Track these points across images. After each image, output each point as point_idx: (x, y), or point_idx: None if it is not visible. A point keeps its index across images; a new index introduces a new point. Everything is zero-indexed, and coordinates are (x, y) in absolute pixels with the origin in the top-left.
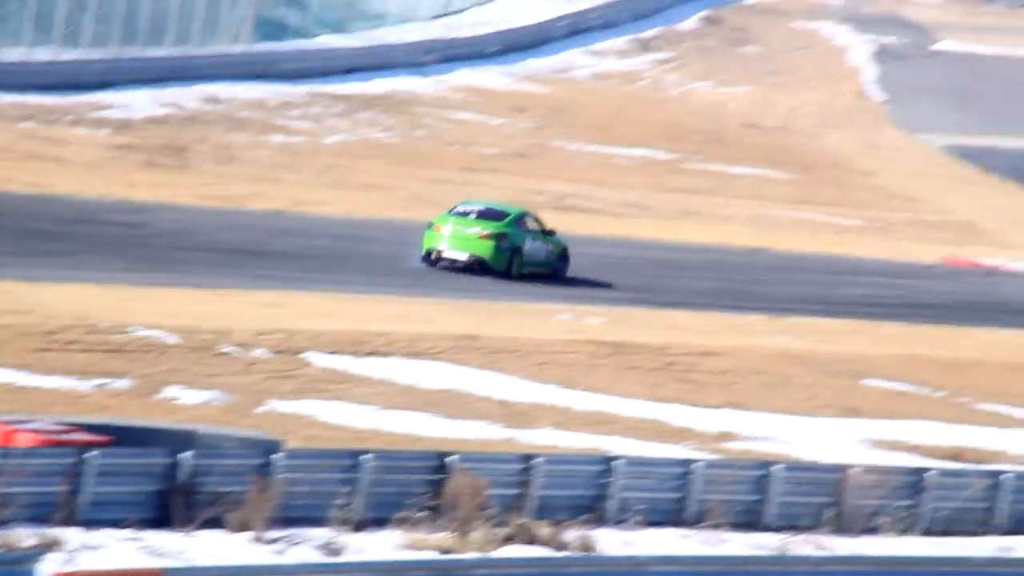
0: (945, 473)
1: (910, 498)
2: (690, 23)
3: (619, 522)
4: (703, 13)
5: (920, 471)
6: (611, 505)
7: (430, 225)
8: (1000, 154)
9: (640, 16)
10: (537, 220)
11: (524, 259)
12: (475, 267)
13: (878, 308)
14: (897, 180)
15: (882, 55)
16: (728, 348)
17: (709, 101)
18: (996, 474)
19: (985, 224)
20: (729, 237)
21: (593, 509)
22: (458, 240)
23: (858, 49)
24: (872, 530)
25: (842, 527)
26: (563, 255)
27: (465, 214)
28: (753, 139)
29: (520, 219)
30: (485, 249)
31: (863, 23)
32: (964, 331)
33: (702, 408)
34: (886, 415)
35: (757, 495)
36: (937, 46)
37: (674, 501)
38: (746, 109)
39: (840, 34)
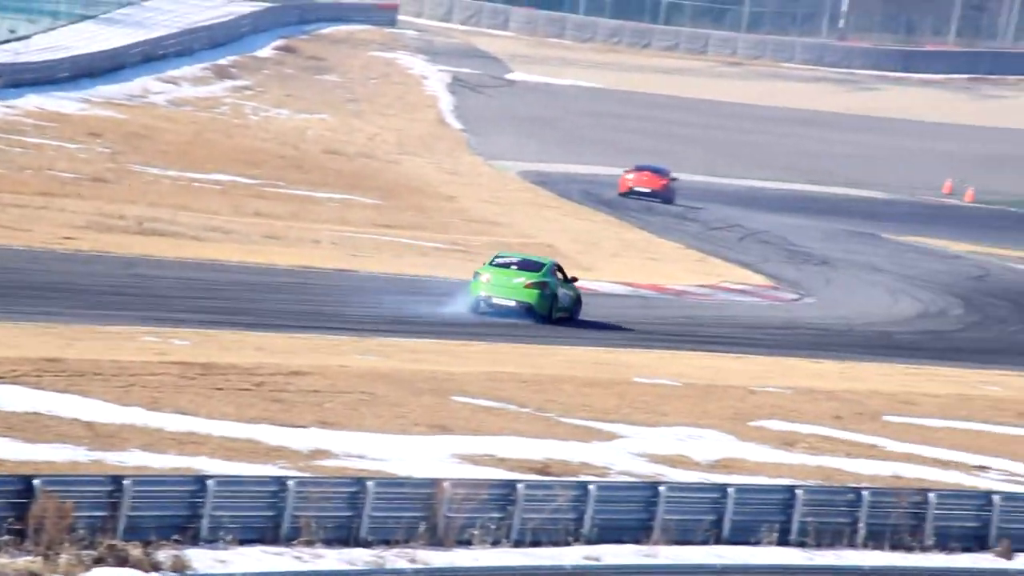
0: (533, 485)
1: (501, 510)
2: (267, 51)
3: (212, 541)
4: (279, 42)
5: (510, 484)
6: (204, 524)
7: (476, 275)
8: (573, 179)
9: (216, 44)
10: (561, 270)
11: (558, 304)
12: (522, 312)
13: (463, 328)
14: (477, 205)
15: (458, 85)
16: (317, 368)
17: (288, 128)
18: (583, 485)
19: (563, 246)
20: (314, 260)
21: (185, 529)
22: (504, 289)
23: (435, 79)
24: (466, 542)
25: (436, 540)
26: (578, 300)
27: (506, 265)
28: (335, 165)
29: (552, 269)
30: (531, 296)
31: (438, 54)
32: (547, 349)
33: (293, 428)
34: (475, 431)
35: (351, 511)
36: (511, 76)
37: (268, 519)
38: (326, 136)
39: (417, 64)
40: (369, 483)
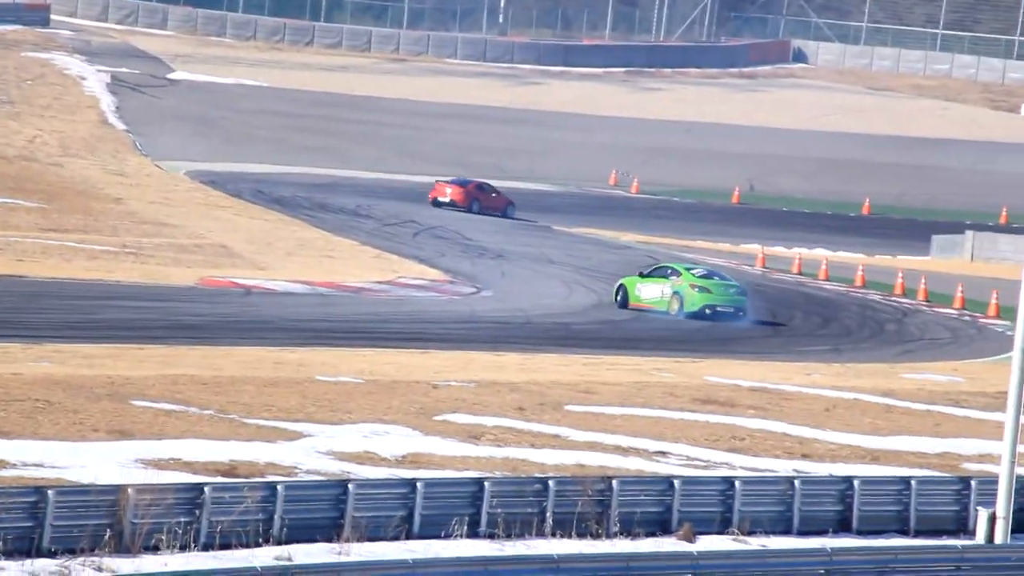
0: (220, 488)
1: (188, 514)
2: None
3: None
4: None
5: (196, 487)
6: None
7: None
8: (243, 178)
9: None
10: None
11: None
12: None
13: (139, 331)
14: (147, 206)
15: (119, 85)
16: None
17: None
18: (271, 485)
19: (237, 246)
20: None
21: None
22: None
23: (94, 79)
24: (153, 548)
25: (122, 547)
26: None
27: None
28: None
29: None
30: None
31: (96, 54)
32: (227, 350)
33: None
34: (157, 435)
35: (31, 521)
36: (173, 75)
37: None
38: None
39: (74, 65)
40: (49, 492)
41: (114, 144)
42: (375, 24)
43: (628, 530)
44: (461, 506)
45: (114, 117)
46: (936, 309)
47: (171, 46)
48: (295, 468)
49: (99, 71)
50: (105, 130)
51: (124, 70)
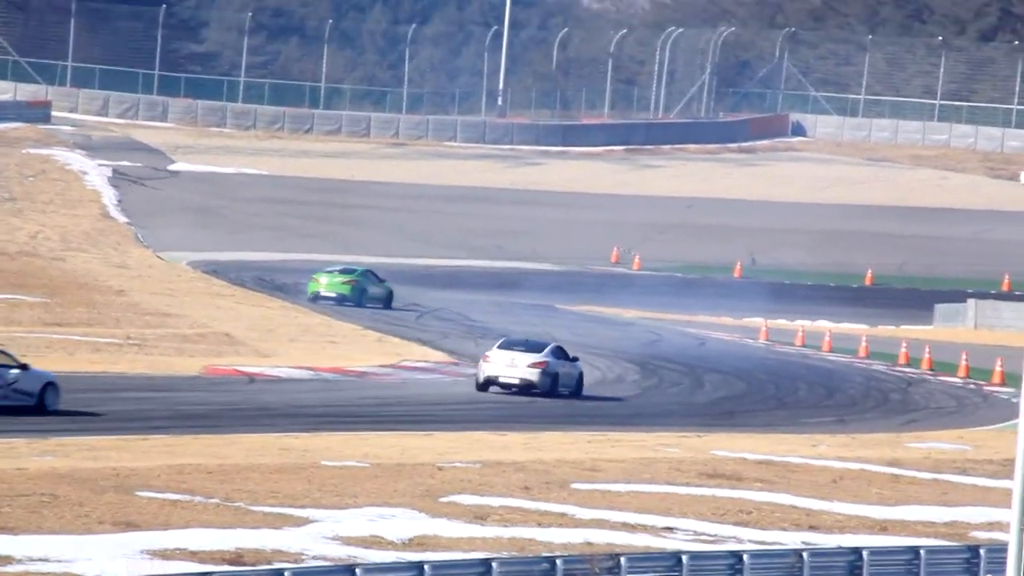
0: None
1: None
2: None
3: None
4: None
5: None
6: None
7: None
8: (246, 267)
9: None
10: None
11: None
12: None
13: (143, 422)
14: (149, 298)
15: (120, 179)
16: None
17: None
18: (278, 572)
19: (241, 334)
20: None
21: None
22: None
23: (95, 173)
24: None
25: None
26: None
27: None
28: None
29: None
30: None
31: (97, 149)
32: (231, 438)
33: None
34: (163, 525)
35: None
36: (174, 167)
37: None
38: None
39: (75, 160)
40: None
41: (116, 237)
42: (374, 109)
43: None
44: None
45: (116, 210)
46: (941, 378)
47: (171, 138)
48: (302, 554)
49: (100, 165)
50: (107, 223)
51: (125, 163)
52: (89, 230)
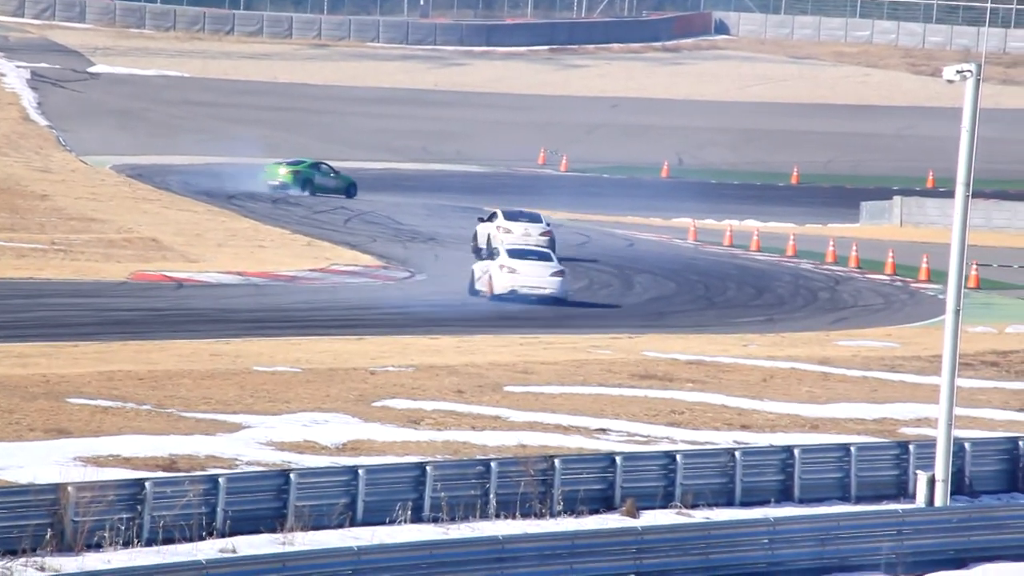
0: (161, 483)
1: (130, 510)
2: None
3: None
4: None
5: (137, 483)
6: None
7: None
8: (170, 170)
9: None
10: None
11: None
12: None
13: (71, 328)
14: (73, 202)
15: (39, 81)
16: None
17: None
18: (212, 478)
19: (168, 239)
20: None
21: None
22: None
23: (13, 76)
24: (96, 545)
25: (64, 546)
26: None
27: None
28: None
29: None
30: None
31: (14, 50)
32: (161, 344)
33: None
34: (95, 432)
35: None
36: (94, 69)
37: None
38: None
39: None
40: None
41: (37, 140)
42: (295, 10)
43: (572, 508)
44: (404, 491)
45: (36, 113)
46: (868, 276)
47: (90, 39)
48: (236, 460)
49: (18, 67)
50: (27, 126)
51: (44, 65)
52: (9, 133)
